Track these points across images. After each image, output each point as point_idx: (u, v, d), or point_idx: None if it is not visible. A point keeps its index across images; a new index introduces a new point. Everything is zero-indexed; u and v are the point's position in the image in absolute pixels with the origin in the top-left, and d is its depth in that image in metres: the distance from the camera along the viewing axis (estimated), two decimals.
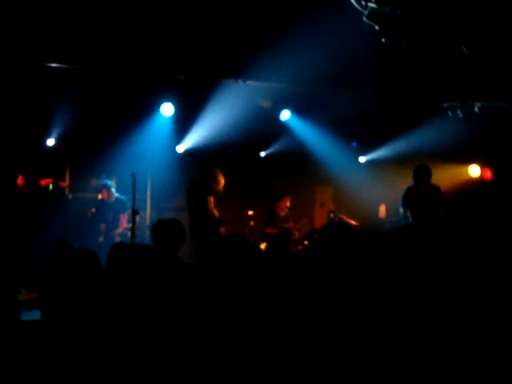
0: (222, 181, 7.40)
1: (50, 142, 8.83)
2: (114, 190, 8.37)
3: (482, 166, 10.22)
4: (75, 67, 7.78)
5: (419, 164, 7.48)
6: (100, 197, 8.47)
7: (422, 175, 7.34)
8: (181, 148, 9.72)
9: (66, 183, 9.11)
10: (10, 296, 2.97)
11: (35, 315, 3.66)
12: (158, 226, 4.31)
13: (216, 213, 7.26)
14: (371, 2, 4.44)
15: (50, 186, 8.15)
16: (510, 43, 6.40)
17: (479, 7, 4.92)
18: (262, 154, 10.48)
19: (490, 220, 8.32)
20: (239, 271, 2.98)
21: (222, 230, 7.36)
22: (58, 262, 3.96)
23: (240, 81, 8.45)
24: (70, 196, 9.04)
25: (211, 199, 7.19)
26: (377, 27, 4.71)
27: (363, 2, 4.57)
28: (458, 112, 9.18)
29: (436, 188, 7.45)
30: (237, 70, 7.95)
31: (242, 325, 2.79)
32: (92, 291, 3.30)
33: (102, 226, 8.25)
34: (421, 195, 7.36)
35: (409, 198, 7.49)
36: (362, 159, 10.91)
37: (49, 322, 3.18)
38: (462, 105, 9.17)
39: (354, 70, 7.69)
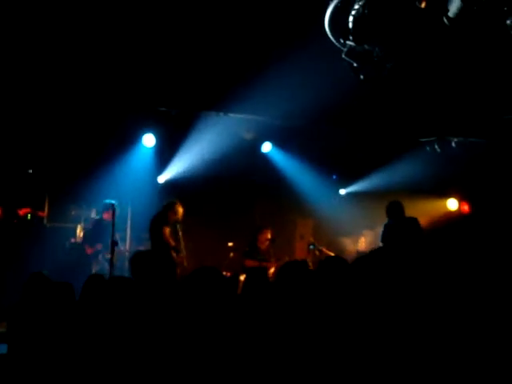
0: (181, 210, 7.72)
1: (29, 170, 8.78)
2: None
3: (460, 199, 10.38)
4: (57, 96, 7.81)
5: (390, 201, 7.58)
6: (98, 216, 8.42)
7: (394, 211, 7.45)
8: (162, 179, 9.73)
9: (44, 213, 9.02)
10: None
11: (1, 349, 3.56)
12: (136, 258, 4.29)
13: (172, 242, 7.53)
14: (349, 40, 4.56)
15: (29, 216, 8.07)
16: (486, 81, 6.58)
17: (455, 45, 5.06)
18: (243, 185, 10.50)
19: (468, 252, 8.40)
20: (209, 303, 2.99)
21: (180, 258, 7.59)
22: (34, 294, 3.89)
23: (221, 113, 8.55)
24: (48, 225, 8.94)
25: (167, 229, 7.52)
26: (355, 64, 4.82)
27: (342, 40, 4.68)
28: (436, 147, 9.37)
29: (412, 220, 7.53)
30: (218, 102, 8.04)
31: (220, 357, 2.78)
32: (64, 324, 3.25)
33: (99, 246, 8.17)
34: (397, 230, 7.43)
35: (387, 234, 7.55)
36: (343, 191, 11.00)
37: (16, 356, 3.11)
38: (440, 140, 9.36)
39: (333, 104, 7.82)
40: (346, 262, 3.71)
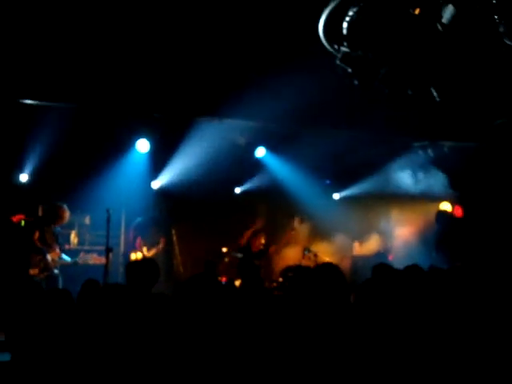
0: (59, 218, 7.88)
1: (23, 177, 8.76)
2: None
3: (453, 203, 10.43)
4: (49, 103, 7.79)
5: (439, 210, 7.69)
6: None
7: (443, 219, 7.62)
8: (156, 184, 9.72)
9: None
10: None
11: (3, 357, 3.56)
12: (132, 265, 4.30)
13: (39, 244, 7.59)
14: (344, 46, 4.59)
15: (22, 223, 8.01)
16: (478, 85, 6.63)
17: (448, 51, 5.11)
18: (237, 190, 10.52)
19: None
20: (209, 307, 3.00)
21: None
22: (30, 302, 3.88)
23: (215, 119, 8.57)
24: None
25: (36, 233, 7.66)
26: (349, 70, 4.84)
27: (336, 46, 4.71)
28: (429, 151, 9.44)
29: None
30: (212, 107, 8.06)
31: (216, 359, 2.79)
32: (64, 330, 3.25)
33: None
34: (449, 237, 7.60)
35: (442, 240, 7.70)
36: (336, 196, 11.03)
37: (19, 363, 3.10)
38: (432, 144, 9.43)
39: (327, 109, 7.86)
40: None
